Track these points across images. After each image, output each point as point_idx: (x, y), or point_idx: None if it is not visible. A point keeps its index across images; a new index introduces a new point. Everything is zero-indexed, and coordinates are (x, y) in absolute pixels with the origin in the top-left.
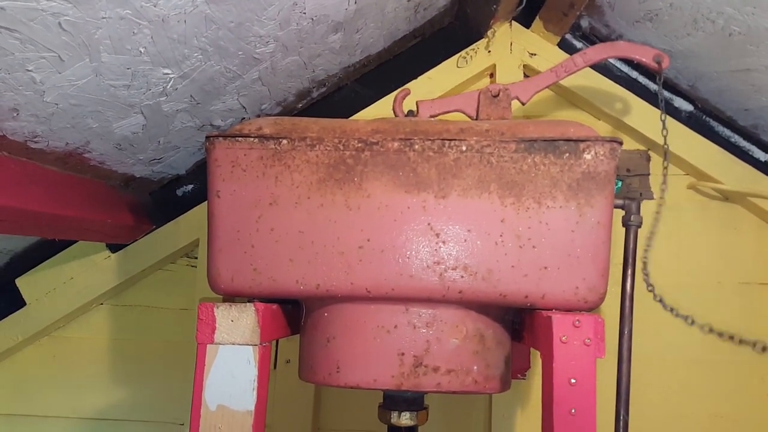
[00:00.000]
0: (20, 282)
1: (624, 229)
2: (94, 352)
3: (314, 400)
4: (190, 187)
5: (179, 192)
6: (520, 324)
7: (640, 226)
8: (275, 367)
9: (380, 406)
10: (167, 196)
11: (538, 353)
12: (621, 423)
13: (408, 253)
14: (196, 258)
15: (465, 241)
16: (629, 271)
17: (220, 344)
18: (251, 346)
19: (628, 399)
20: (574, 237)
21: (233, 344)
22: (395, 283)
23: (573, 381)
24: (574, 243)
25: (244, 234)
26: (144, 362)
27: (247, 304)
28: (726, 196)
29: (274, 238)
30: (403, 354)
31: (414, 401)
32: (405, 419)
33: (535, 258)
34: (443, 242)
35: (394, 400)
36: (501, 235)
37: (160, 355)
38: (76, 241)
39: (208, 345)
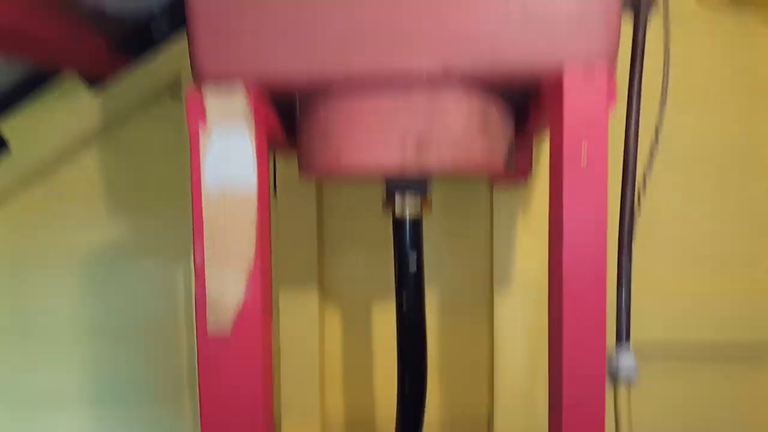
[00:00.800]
0: (2, 126)
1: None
2: (89, 194)
3: (317, 219)
4: (165, 24)
5: (154, 30)
6: (525, 112)
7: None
8: (275, 194)
9: (384, 201)
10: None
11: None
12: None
13: (409, 27)
14: (181, 94)
15: (467, 10)
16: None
17: (213, 125)
18: (245, 124)
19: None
20: None
21: (226, 125)
22: (397, 62)
23: (584, 133)
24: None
25: (229, 18)
26: (141, 199)
27: (235, 85)
28: None
29: (261, 19)
30: (406, 135)
31: (418, 186)
32: (410, 207)
33: (543, 22)
34: (444, 14)
35: (398, 186)
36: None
37: (155, 192)
38: (55, 81)
39: (200, 130)
